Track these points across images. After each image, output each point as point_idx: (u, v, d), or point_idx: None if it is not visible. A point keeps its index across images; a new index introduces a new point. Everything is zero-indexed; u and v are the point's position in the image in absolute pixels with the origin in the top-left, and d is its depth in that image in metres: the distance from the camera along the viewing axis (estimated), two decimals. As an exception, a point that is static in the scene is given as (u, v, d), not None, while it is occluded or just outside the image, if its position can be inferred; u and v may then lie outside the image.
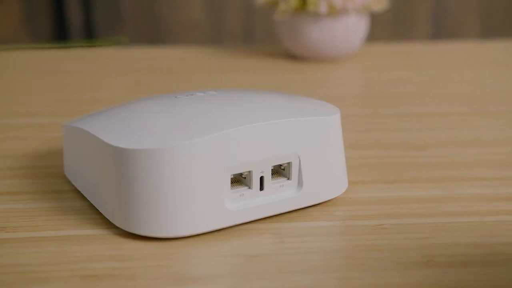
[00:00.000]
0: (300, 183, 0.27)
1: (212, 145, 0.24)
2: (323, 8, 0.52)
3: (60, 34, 1.44)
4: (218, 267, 0.23)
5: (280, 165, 0.27)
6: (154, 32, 1.50)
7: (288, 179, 0.27)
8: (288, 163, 0.26)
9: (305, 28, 0.54)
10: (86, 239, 0.24)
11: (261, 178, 0.26)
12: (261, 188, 0.26)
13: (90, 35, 1.44)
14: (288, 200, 0.26)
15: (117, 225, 0.25)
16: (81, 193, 0.28)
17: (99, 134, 0.26)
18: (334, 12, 0.53)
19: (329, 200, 0.28)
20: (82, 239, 0.24)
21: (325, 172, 0.27)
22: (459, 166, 0.32)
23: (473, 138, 0.36)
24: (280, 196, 0.26)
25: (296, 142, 0.26)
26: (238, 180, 0.26)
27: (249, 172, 0.25)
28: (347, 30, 0.55)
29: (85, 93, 0.48)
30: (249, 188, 0.26)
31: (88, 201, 0.28)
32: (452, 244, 0.24)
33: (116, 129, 0.26)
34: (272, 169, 0.26)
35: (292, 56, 0.58)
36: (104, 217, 0.26)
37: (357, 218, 0.27)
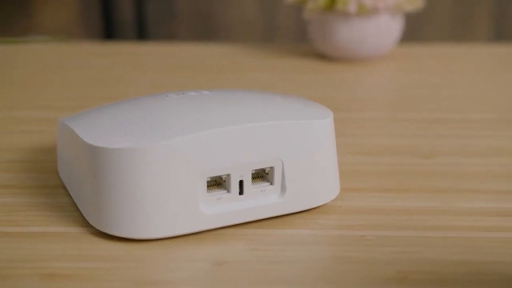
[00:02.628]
0: (283, 189, 0.26)
1: (186, 147, 0.24)
2: (352, 7, 0.51)
3: (111, 29, 1.47)
4: (182, 272, 0.22)
5: (264, 169, 0.26)
6: (206, 29, 1.51)
7: (271, 184, 0.26)
8: (271, 168, 0.26)
9: (334, 27, 0.53)
10: (60, 237, 0.24)
11: (241, 182, 0.25)
12: (241, 192, 0.25)
13: (141, 31, 1.46)
14: (270, 206, 0.26)
15: (92, 224, 0.25)
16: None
17: (79, 131, 0.25)
18: (364, 12, 0.51)
19: (317, 208, 0.27)
20: (55, 237, 0.24)
21: (312, 178, 0.26)
22: (465, 177, 0.30)
23: (489, 147, 0.34)
24: (261, 201, 0.25)
25: (279, 146, 0.25)
26: (219, 183, 0.25)
27: (228, 175, 0.25)
28: (379, 31, 0.53)
29: (113, 89, 0.48)
30: (228, 192, 0.25)
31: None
32: (434, 260, 0.23)
33: (97, 127, 0.25)
34: (255, 173, 0.26)
35: (323, 56, 0.57)
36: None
37: (341, 227, 0.26)
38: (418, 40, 1.33)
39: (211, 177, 0.25)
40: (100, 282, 0.21)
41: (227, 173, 0.25)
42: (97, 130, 0.25)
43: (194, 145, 0.24)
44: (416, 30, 1.37)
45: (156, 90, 0.47)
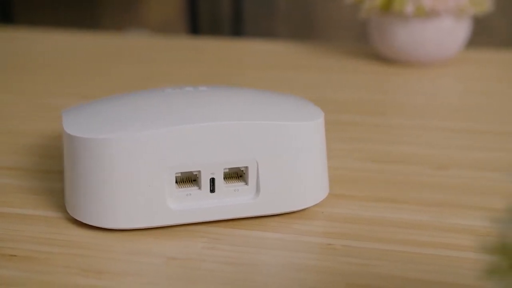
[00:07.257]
0: (257, 190, 0.25)
1: (154, 141, 0.24)
2: (409, 8, 0.49)
3: (211, 26, 1.50)
4: (132, 264, 0.22)
5: (241, 169, 0.25)
6: (304, 27, 1.51)
7: (246, 184, 0.25)
8: (245, 167, 0.25)
9: (391, 29, 0.51)
10: (35, 220, 0.25)
11: (213, 180, 0.25)
12: (212, 190, 0.25)
13: (239, 27, 1.48)
14: (242, 206, 0.25)
15: (67, 209, 0.25)
16: (63, 176, 0.29)
17: (65, 120, 0.26)
18: (422, 14, 0.49)
19: (297, 212, 0.26)
20: (32, 219, 0.25)
21: (290, 182, 0.25)
22: (470, 192, 0.28)
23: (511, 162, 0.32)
24: (233, 201, 0.25)
25: (254, 146, 0.25)
26: (194, 179, 0.25)
27: (198, 172, 0.25)
28: (440, 34, 0.50)
29: (161, 83, 0.49)
30: (199, 189, 0.25)
31: (66, 184, 0.28)
32: (392, 276, 0.22)
33: (82, 118, 0.26)
34: (232, 172, 0.26)
35: (383, 58, 0.55)
36: (66, 201, 0.27)
37: (312, 234, 0.25)
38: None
39: (182, 173, 0.25)
40: (49, 266, 0.22)
41: (197, 169, 0.25)
42: (80, 120, 0.26)
43: (163, 139, 0.24)
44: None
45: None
